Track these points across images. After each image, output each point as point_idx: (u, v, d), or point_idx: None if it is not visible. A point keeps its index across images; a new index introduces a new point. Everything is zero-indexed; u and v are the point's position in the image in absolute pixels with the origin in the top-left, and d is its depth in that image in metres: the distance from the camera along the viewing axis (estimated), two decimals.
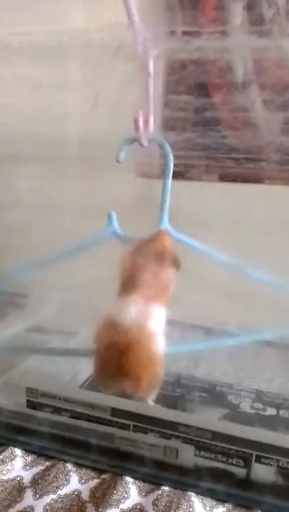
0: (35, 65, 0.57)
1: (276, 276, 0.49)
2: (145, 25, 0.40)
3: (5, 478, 0.39)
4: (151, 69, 0.40)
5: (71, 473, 0.40)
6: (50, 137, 0.60)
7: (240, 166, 0.62)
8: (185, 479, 0.40)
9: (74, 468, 0.41)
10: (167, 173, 0.44)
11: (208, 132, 0.61)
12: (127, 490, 0.38)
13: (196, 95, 0.61)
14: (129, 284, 0.41)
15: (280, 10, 0.56)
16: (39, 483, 0.39)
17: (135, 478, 0.40)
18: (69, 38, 0.50)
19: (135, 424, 0.41)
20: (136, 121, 0.41)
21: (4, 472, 0.40)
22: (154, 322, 0.40)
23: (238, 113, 0.59)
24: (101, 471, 0.41)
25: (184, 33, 0.50)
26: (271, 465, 0.38)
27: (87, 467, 0.41)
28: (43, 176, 0.66)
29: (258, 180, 0.63)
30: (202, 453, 0.40)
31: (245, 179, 0.63)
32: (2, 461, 0.41)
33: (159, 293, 0.41)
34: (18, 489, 0.38)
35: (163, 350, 0.40)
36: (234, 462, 0.39)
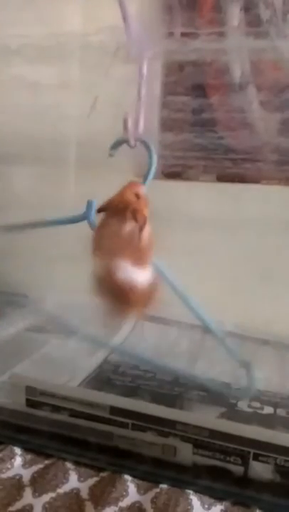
0: (33, 66, 0.57)
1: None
2: (141, 27, 0.40)
3: (4, 476, 0.39)
4: (144, 71, 0.41)
5: (70, 472, 0.40)
6: (48, 138, 0.60)
7: (237, 167, 0.62)
8: (183, 477, 0.40)
9: (73, 467, 0.41)
10: (148, 175, 0.44)
11: (206, 133, 0.61)
12: (126, 488, 0.39)
13: (194, 96, 0.61)
14: (94, 240, 0.40)
15: (276, 11, 0.56)
16: (38, 482, 0.39)
17: (134, 476, 0.40)
18: (67, 40, 0.50)
19: (134, 422, 0.41)
20: (125, 122, 0.41)
21: (4, 471, 0.40)
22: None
23: (235, 114, 0.60)
24: (100, 469, 0.41)
25: (182, 35, 0.50)
26: (269, 463, 0.38)
27: (86, 465, 0.41)
28: (42, 177, 0.66)
29: (255, 180, 0.63)
30: (200, 451, 0.40)
31: (242, 179, 0.63)
32: (2, 459, 0.41)
33: (122, 248, 0.39)
34: (17, 488, 0.38)
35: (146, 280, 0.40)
36: (232, 460, 0.39)
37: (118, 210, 0.39)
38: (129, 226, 0.39)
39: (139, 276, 0.40)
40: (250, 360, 0.51)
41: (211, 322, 0.49)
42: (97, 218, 0.43)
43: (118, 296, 0.41)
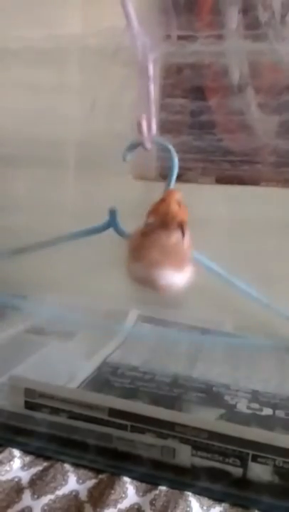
0: (33, 68, 0.57)
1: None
2: (144, 30, 0.40)
3: (3, 479, 0.39)
4: (151, 73, 0.41)
5: (69, 474, 0.40)
6: (48, 140, 0.60)
7: (236, 169, 0.62)
8: (182, 479, 0.40)
9: (72, 469, 0.41)
10: (171, 177, 0.44)
11: (205, 135, 0.61)
12: (125, 490, 0.39)
13: (192, 99, 0.61)
14: (136, 249, 0.41)
15: (275, 13, 0.56)
16: (37, 484, 0.39)
17: (133, 478, 0.40)
18: (67, 42, 0.51)
19: (133, 424, 0.41)
20: (139, 125, 0.41)
21: (2, 473, 0.40)
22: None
23: (234, 116, 0.60)
24: (99, 471, 0.41)
25: (180, 37, 0.51)
26: (267, 464, 0.38)
27: (85, 467, 0.41)
28: (42, 179, 0.66)
29: (254, 182, 0.63)
30: (199, 453, 0.40)
31: (241, 181, 0.63)
32: (0, 462, 0.41)
33: (166, 258, 0.40)
34: (16, 490, 0.38)
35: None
36: (231, 462, 0.39)
37: (165, 221, 0.40)
38: (175, 237, 0.40)
39: (179, 280, 0.41)
40: None
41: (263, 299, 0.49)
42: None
43: (159, 294, 0.42)
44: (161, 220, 0.40)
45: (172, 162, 0.44)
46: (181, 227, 0.40)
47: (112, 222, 0.45)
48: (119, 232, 0.47)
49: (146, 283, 0.41)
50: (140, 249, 0.41)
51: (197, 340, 0.62)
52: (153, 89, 0.42)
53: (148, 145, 0.43)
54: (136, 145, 0.44)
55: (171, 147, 0.44)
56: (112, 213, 0.45)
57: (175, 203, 0.41)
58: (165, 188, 0.45)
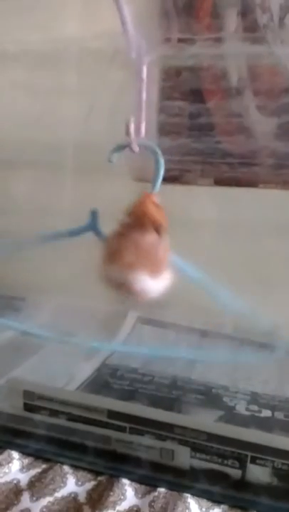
0: (31, 71, 0.57)
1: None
2: (140, 32, 0.41)
3: (2, 481, 0.39)
4: (144, 75, 0.41)
5: (68, 476, 0.40)
6: (46, 143, 0.61)
7: (234, 171, 0.63)
8: (181, 481, 0.40)
9: (71, 471, 0.41)
10: (157, 179, 0.44)
11: (203, 137, 0.61)
12: (124, 492, 0.39)
13: (191, 101, 0.62)
14: (111, 250, 0.40)
15: (273, 16, 0.56)
16: (36, 486, 0.39)
17: (132, 480, 0.40)
18: (65, 45, 0.51)
19: (131, 426, 0.41)
20: (127, 127, 0.41)
21: (1, 475, 0.40)
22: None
23: (232, 118, 0.60)
24: (97, 473, 0.41)
25: (179, 40, 0.51)
26: (266, 466, 0.39)
27: (84, 469, 0.41)
28: (40, 181, 0.66)
29: (252, 184, 0.63)
30: (198, 454, 0.40)
31: (239, 183, 0.63)
32: None
33: (140, 260, 0.39)
34: (15, 492, 0.38)
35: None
36: (229, 463, 0.39)
37: (139, 222, 0.40)
38: (151, 238, 0.39)
39: (155, 286, 0.40)
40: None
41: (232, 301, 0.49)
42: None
43: (133, 299, 0.41)
44: (137, 220, 0.40)
45: (157, 165, 0.44)
46: (157, 228, 0.40)
47: (92, 225, 0.44)
48: (99, 234, 0.46)
49: (120, 286, 0.40)
50: (114, 250, 0.40)
51: (196, 342, 0.62)
52: (145, 92, 0.42)
53: (135, 148, 0.43)
54: (122, 147, 0.44)
55: (157, 150, 0.43)
56: (94, 215, 0.44)
57: (152, 204, 0.41)
58: (151, 191, 0.45)
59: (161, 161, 0.43)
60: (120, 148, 0.43)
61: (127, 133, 0.41)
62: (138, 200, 0.41)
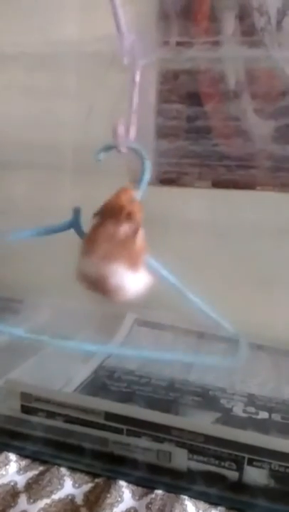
0: (30, 73, 0.57)
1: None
2: (135, 36, 0.41)
3: None
4: (137, 79, 0.41)
5: (65, 478, 0.40)
6: (45, 145, 0.61)
7: (232, 173, 0.63)
8: (178, 483, 0.40)
9: (68, 473, 0.41)
10: (142, 181, 0.44)
11: (201, 140, 0.61)
12: (121, 494, 0.39)
13: (189, 104, 0.62)
14: (86, 243, 0.40)
15: (271, 19, 0.57)
16: (33, 488, 0.39)
17: (129, 481, 0.40)
18: (64, 48, 0.51)
19: (129, 428, 0.41)
20: (114, 129, 0.42)
21: None
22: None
23: (230, 121, 0.60)
24: (95, 475, 0.41)
25: (177, 43, 0.51)
26: (263, 468, 0.39)
27: (81, 471, 0.41)
28: (39, 183, 0.66)
29: (250, 186, 0.63)
30: (195, 456, 0.40)
31: (237, 186, 0.64)
32: None
33: (116, 251, 0.39)
34: (12, 494, 0.38)
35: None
36: (227, 465, 0.39)
37: (113, 213, 0.40)
38: (124, 229, 0.39)
39: (132, 280, 0.40)
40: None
41: (210, 312, 0.50)
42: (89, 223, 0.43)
43: (110, 298, 0.41)
44: (110, 210, 0.40)
45: (143, 167, 0.44)
46: (130, 218, 0.39)
47: (73, 222, 0.44)
48: (80, 233, 0.45)
49: (96, 281, 0.39)
50: (89, 242, 0.40)
51: (193, 344, 0.62)
52: (137, 95, 0.42)
53: (123, 149, 0.43)
54: (110, 148, 0.44)
55: (144, 152, 0.44)
56: (76, 212, 0.44)
57: (126, 197, 0.41)
58: (137, 193, 0.45)
59: (148, 163, 0.43)
60: (107, 148, 0.44)
61: (114, 134, 0.42)
62: (114, 193, 0.41)
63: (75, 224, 0.44)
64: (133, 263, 0.40)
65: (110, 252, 0.39)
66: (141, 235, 0.40)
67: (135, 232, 0.40)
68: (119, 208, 0.40)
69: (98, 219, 0.41)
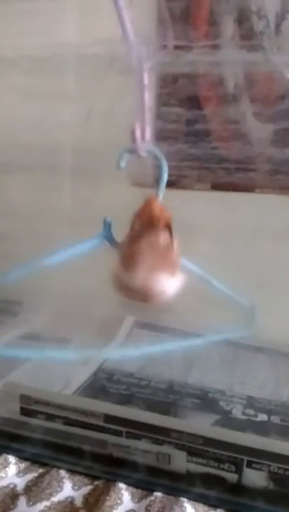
0: (29, 76, 0.58)
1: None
2: (139, 39, 0.41)
3: None
4: (146, 81, 0.41)
5: (64, 480, 0.40)
6: (44, 147, 0.61)
7: (231, 176, 0.63)
8: (177, 485, 0.40)
9: (67, 475, 0.41)
10: (161, 184, 0.44)
11: (200, 143, 0.62)
12: (120, 496, 0.39)
13: (188, 107, 0.62)
14: (127, 257, 0.41)
15: (270, 23, 0.57)
16: (32, 490, 0.39)
17: (128, 484, 0.40)
18: (63, 51, 0.51)
19: (128, 430, 0.41)
20: (133, 133, 0.42)
21: None
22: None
23: (229, 125, 0.61)
24: (94, 478, 0.41)
25: (176, 47, 0.51)
26: (262, 470, 0.39)
27: (81, 474, 0.41)
28: (39, 185, 0.67)
29: (249, 189, 0.64)
30: (194, 459, 0.40)
31: (236, 188, 0.64)
32: None
33: (159, 261, 0.40)
34: (11, 496, 0.38)
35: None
36: (226, 468, 0.39)
37: (151, 224, 0.40)
38: (164, 238, 0.40)
39: (173, 285, 0.41)
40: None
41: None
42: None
43: (150, 304, 0.42)
44: (148, 222, 0.40)
45: (161, 170, 0.44)
46: (168, 226, 0.40)
47: (106, 234, 0.45)
48: (113, 244, 0.46)
49: (140, 291, 0.40)
50: (131, 256, 0.41)
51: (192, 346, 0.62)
52: (148, 98, 0.42)
53: (142, 153, 0.43)
54: (130, 152, 0.44)
55: (162, 156, 0.44)
56: (106, 224, 0.45)
57: (158, 207, 0.41)
58: (153, 195, 0.45)
59: (166, 167, 0.44)
60: (127, 151, 0.44)
61: (133, 138, 0.42)
62: (144, 204, 0.42)
63: (107, 235, 0.45)
64: (173, 268, 0.41)
65: (155, 263, 0.40)
66: (177, 240, 0.41)
67: (173, 240, 0.40)
68: (156, 219, 0.40)
69: (133, 231, 0.41)
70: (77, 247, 0.45)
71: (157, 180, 0.45)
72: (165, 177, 0.44)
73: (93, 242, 0.45)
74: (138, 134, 0.42)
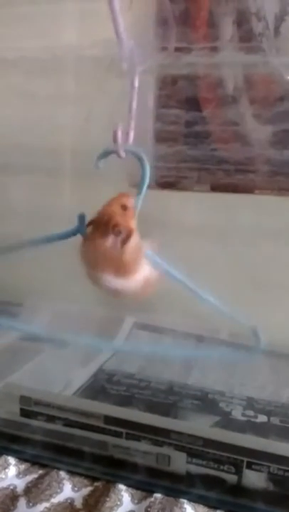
0: (29, 78, 0.58)
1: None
2: (134, 42, 0.41)
3: None
4: (136, 84, 0.41)
5: (64, 481, 0.40)
6: (43, 149, 0.61)
7: (230, 177, 0.63)
8: (177, 486, 0.40)
9: (67, 476, 0.41)
10: (142, 185, 0.44)
11: (199, 145, 0.62)
12: (120, 497, 0.39)
13: (187, 109, 0.62)
14: (81, 253, 0.41)
15: (269, 24, 0.57)
16: (32, 492, 0.39)
17: (128, 485, 0.40)
18: (63, 53, 0.51)
19: (128, 431, 0.41)
20: (114, 133, 0.42)
21: None
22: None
23: (228, 126, 0.61)
24: (94, 479, 0.41)
25: (175, 49, 0.51)
26: (262, 471, 0.39)
27: (81, 475, 0.41)
28: (39, 187, 0.67)
29: (248, 190, 0.64)
30: (194, 460, 0.40)
31: (235, 189, 0.64)
32: None
33: (103, 262, 0.40)
34: (11, 498, 0.38)
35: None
36: (225, 469, 0.40)
37: (102, 223, 0.40)
38: (111, 240, 0.40)
39: (124, 285, 0.41)
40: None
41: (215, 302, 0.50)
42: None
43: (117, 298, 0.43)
44: (99, 224, 0.40)
45: (143, 171, 0.44)
46: (115, 229, 0.40)
47: (80, 228, 0.45)
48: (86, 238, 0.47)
49: (97, 285, 0.42)
50: (83, 253, 0.42)
51: (192, 347, 0.62)
52: (136, 100, 0.43)
53: (121, 153, 0.43)
54: (109, 153, 0.44)
55: (143, 156, 0.44)
56: (81, 219, 0.45)
57: (117, 206, 0.41)
58: (136, 198, 0.45)
59: (147, 167, 0.44)
60: (106, 154, 0.44)
61: (114, 139, 0.42)
62: (108, 201, 0.42)
63: (81, 230, 0.45)
64: (123, 270, 0.41)
65: (99, 262, 0.41)
66: (133, 244, 0.40)
67: (123, 242, 0.40)
68: (107, 219, 0.40)
69: (91, 229, 0.41)
70: (49, 237, 0.46)
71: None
72: (146, 178, 0.44)
73: (66, 234, 0.45)
74: (119, 134, 0.42)
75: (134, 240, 0.40)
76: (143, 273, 0.42)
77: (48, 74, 0.58)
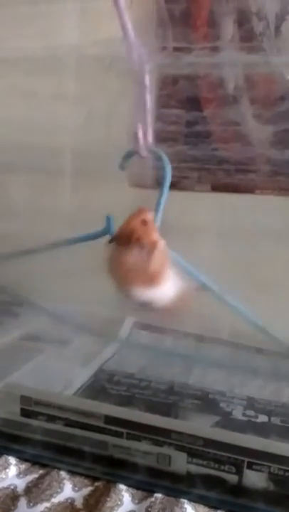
0: (31, 78, 0.58)
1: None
2: (139, 41, 0.41)
3: None
4: (147, 83, 0.42)
5: (65, 481, 0.40)
6: (44, 148, 0.61)
7: (231, 177, 0.63)
8: (178, 486, 0.40)
9: (68, 476, 0.41)
10: (164, 186, 0.45)
11: (200, 144, 0.62)
12: (121, 497, 0.39)
13: (188, 109, 0.62)
14: (108, 266, 0.42)
15: (269, 24, 0.57)
16: (33, 492, 0.39)
17: (129, 485, 0.40)
18: (64, 52, 0.51)
19: (128, 431, 0.41)
20: (136, 134, 0.42)
21: None
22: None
23: (229, 126, 0.61)
24: (94, 479, 0.41)
25: (176, 49, 0.51)
26: (263, 471, 0.39)
27: (81, 475, 0.41)
28: (39, 186, 0.67)
29: (249, 190, 0.64)
30: (194, 460, 0.40)
31: (236, 189, 0.64)
32: None
33: (131, 275, 0.41)
34: (11, 498, 0.38)
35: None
36: (226, 469, 0.39)
37: (124, 239, 0.41)
38: (136, 254, 0.40)
39: (155, 296, 0.41)
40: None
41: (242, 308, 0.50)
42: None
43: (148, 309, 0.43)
44: (122, 238, 0.41)
45: (165, 171, 0.44)
46: (139, 243, 0.40)
47: (108, 229, 0.46)
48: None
49: (127, 297, 0.42)
50: (111, 271, 0.42)
51: (193, 348, 0.62)
52: (149, 99, 0.43)
53: (144, 153, 0.44)
54: (132, 154, 0.45)
55: (164, 156, 0.44)
56: (108, 220, 0.45)
57: (137, 220, 0.42)
58: (158, 197, 0.45)
59: (168, 167, 0.44)
60: (130, 154, 0.44)
61: (136, 139, 0.42)
62: (128, 218, 0.42)
63: (108, 231, 0.46)
64: (150, 281, 0.41)
65: (126, 276, 0.41)
66: (159, 254, 0.41)
67: (149, 254, 0.41)
68: (128, 234, 0.41)
69: (115, 245, 0.42)
70: (79, 237, 0.48)
71: (157, 181, 0.45)
72: (168, 179, 0.45)
73: (94, 235, 0.46)
74: (140, 134, 0.42)
75: (159, 250, 0.41)
76: (173, 284, 0.43)
77: (49, 74, 0.58)
